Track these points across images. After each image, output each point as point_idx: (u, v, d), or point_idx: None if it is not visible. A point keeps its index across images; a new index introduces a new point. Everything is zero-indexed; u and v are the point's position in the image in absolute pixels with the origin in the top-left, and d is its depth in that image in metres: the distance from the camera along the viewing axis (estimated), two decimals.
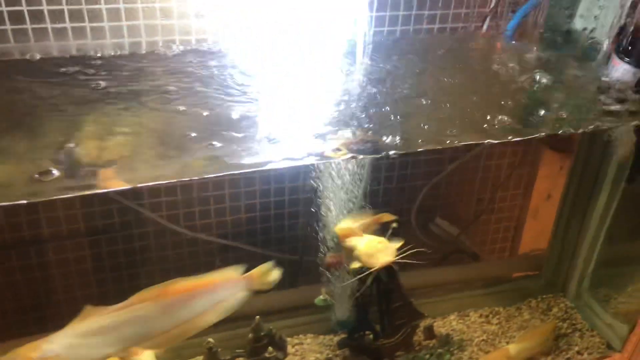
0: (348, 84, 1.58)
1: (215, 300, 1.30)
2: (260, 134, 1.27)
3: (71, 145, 1.17)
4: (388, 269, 1.80)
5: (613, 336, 2.00)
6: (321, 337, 1.99)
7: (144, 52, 1.64)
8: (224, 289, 1.31)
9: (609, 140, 1.90)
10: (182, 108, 1.34)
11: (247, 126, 1.30)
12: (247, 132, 1.27)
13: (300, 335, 1.98)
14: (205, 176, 1.17)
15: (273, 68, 1.64)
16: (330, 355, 1.91)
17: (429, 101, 1.48)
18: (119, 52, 1.61)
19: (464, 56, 1.85)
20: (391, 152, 1.27)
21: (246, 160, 1.19)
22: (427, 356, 1.64)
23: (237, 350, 1.79)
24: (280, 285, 2.04)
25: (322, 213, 1.66)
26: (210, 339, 1.75)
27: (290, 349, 1.89)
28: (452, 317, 2.11)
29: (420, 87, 1.57)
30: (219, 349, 1.75)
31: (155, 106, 1.35)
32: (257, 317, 1.73)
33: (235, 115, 1.33)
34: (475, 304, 2.17)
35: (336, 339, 1.98)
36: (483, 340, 2.00)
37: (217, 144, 1.22)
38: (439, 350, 1.78)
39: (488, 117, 1.41)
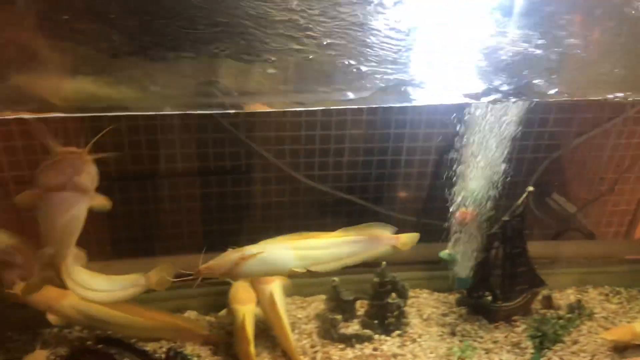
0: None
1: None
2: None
3: None
4: (517, 232, 1.81)
5: None
6: (436, 293, 2.02)
7: None
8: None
9: None
10: None
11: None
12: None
13: (417, 290, 2.02)
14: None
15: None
16: (446, 312, 1.93)
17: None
18: None
19: None
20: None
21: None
22: (555, 319, 1.63)
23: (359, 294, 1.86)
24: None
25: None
26: (335, 279, 1.82)
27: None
28: (569, 290, 2.08)
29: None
30: (342, 290, 1.83)
31: None
32: (384, 262, 1.79)
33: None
34: (595, 281, 2.12)
35: (451, 297, 2.01)
36: (603, 317, 1.95)
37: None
38: (569, 315, 1.76)
39: None
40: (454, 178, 1.71)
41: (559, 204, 2.56)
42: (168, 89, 1.20)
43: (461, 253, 1.82)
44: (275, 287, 1.75)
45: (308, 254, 1.50)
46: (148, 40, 1.10)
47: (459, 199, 1.73)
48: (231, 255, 1.45)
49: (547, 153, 2.43)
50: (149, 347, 1.72)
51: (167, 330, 1.79)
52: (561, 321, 1.61)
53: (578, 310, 1.84)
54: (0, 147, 1.84)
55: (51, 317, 1.65)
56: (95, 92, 1.13)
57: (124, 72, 1.14)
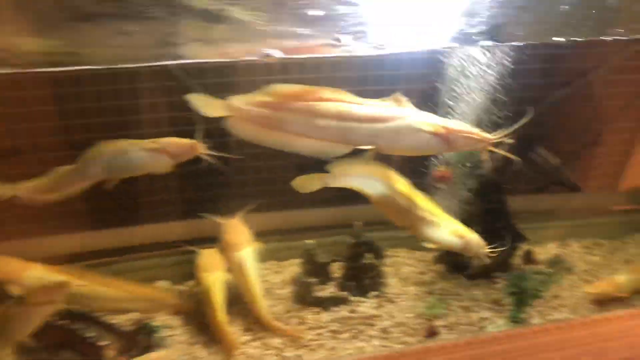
0: None
1: None
2: None
3: None
4: (495, 187, 1.75)
5: None
6: (415, 252, 1.98)
7: None
8: None
9: None
10: None
11: None
12: None
13: (396, 249, 1.97)
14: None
15: None
16: (424, 270, 1.89)
17: None
18: None
19: None
20: None
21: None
22: (535, 275, 1.59)
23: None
24: None
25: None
26: (310, 242, 1.77)
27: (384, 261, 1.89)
28: (551, 244, 2.04)
29: None
30: (317, 253, 1.78)
31: None
32: (358, 222, 1.73)
33: None
34: (577, 234, 2.08)
35: (429, 255, 1.96)
36: (585, 270, 1.92)
37: None
38: (549, 270, 1.71)
39: None
40: None
41: (543, 157, 2.50)
42: None
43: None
44: (246, 253, 1.70)
45: None
46: None
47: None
48: None
49: (531, 105, 2.35)
50: (119, 319, 1.67)
51: (137, 301, 1.74)
52: (540, 277, 1.57)
53: (557, 265, 1.79)
54: None
55: (13, 288, 1.59)
56: None
57: None
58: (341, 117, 1.26)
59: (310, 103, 1.26)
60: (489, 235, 1.78)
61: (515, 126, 1.31)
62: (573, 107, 2.38)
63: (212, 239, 1.78)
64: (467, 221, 1.75)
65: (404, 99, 1.31)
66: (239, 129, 1.29)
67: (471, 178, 1.66)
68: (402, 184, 1.44)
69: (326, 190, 2.08)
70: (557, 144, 2.46)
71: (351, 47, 1.02)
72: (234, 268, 1.69)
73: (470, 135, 1.28)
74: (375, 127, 1.27)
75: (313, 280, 1.75)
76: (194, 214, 1.85)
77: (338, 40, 1.01)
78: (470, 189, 1.69)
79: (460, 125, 1.29)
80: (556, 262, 1.79)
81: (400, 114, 1.28)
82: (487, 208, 1.76)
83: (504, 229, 1.81)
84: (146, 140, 1.50)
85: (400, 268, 1.90)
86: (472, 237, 1.48)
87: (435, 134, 1.27)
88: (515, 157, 1.61)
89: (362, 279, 1.77)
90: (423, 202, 1.46)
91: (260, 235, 1.76)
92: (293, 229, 2.00)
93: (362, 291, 1.78)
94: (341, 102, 1.27)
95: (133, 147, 1.50)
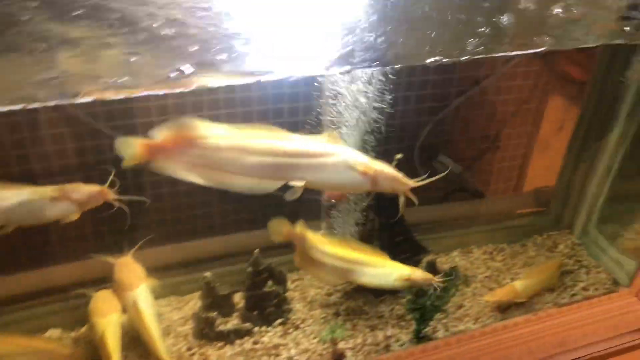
0: None
1: None
2: None
3: None
4: (391, 202, 1.74)
5: (620, 272, 1.96)
6: None
7: None
8: None
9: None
10: None
11: None
12: None
13: (300, 271, 1.92)
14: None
15: None
16: (330, 291, 1.86)
17: None
18: None
19: None
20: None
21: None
22: (432, 289, 1.59)
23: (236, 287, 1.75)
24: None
25: None
26: (208, 274, 1.69)
27: (289, 285, 1.84)
28: (454, 253, 2.07)
29: None
30: (217, 284, 1.71)
31: None
32: (256, 250, 1.67)
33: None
34: (479, 240, 2.11)
35: None
36: (487, 276, 1.95)
37: None
38: (443, 285, 1.72)
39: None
40: None
41: (445, 165, 2.54)
42: None
43: (338, 231, 1.73)
44: (140, 291, 1.61)
45: None
46: None
47: None
48: None
49: (429, 115, 2.39)
50: None
51: (23, 355, 1.61)
52: (437, 292, 1.57)
53: (454, 277, 1.80)
54: None
55: None
56: None
57: None
58: (272, 153, 1.25)
59: (240, 140, 1.24)
60: (388, 250, 1.78)
61: (434, 177, 1.37)
62: (470, 115, 2.44)
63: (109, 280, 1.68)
64: (365, 238, 1.76)
65: (337, 136, 1.33)
66: (166, 168, 1.23)
67: (365, 194, 1.65)
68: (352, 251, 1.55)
69: (223, 217, 2.04)
70: (458, 151, 2.52)
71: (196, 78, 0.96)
72: (129, 308, 1.60)
73: (395, 179, 1.33)
74: (308, 162, 1.27)
75: (214, 314, 1.67)
76: (86, 255, 1.74)
77: (181, 71, 0.94)
78: (365, 205, 1.68)
79: (386, 168, 1.33)
80: (451, 274, 1.81)
81: (333, 151, 1.29)
82: (384, 223, 1.75)
83: (405, 242, 1.82)
84: (48, 187, 1.39)
85: (306, 291, 1.86)
86: (417, 275, 1.53)
87: (364, 174, 1.29)
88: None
89: (265, 307, 1.71)
90: (371, 259, 1.56)
91: (159, 270, 1.68)
92: (194, 261, 1.92)
93: (266, 320, 1.72)
94: (271, 138, 1.26)
95: (31, 194, 1.37)
